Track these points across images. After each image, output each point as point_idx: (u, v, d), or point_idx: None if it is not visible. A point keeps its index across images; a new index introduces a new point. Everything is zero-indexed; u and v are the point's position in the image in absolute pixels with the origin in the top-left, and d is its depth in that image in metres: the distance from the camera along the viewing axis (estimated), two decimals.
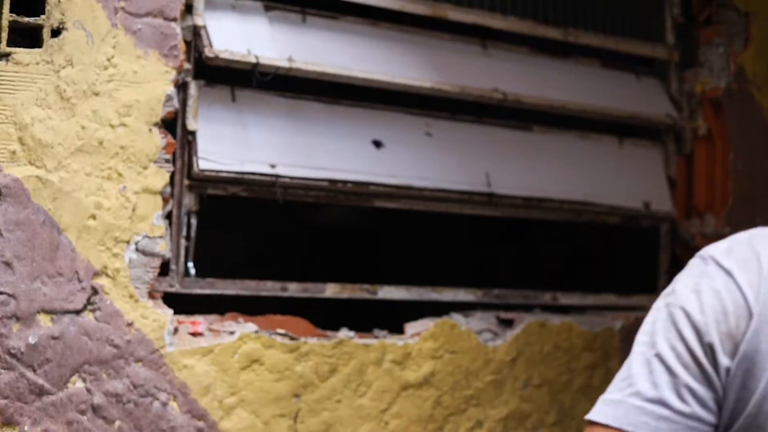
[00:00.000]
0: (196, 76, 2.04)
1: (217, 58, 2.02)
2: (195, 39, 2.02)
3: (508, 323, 2.31)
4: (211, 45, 2.02)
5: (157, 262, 1.92)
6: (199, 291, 2.06)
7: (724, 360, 1.14)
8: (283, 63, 2.10)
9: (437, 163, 2.31)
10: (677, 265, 2.62)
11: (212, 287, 2.08)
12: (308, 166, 2.15)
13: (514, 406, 2.28)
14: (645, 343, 1.21)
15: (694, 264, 1.24)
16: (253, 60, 2.05)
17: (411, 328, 2.20)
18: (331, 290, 2.18)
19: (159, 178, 1.91)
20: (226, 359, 1.96)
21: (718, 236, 2.57)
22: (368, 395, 2.10)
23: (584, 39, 2.57)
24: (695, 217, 2.64)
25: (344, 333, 2.12)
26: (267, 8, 2.16)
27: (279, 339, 2.02)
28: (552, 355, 2.33)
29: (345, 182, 2.19)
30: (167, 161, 1.93)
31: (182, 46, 1.94)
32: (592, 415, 1.22)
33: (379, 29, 2.29)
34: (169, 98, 1.93)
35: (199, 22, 2.01)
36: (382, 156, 2.25)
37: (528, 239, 3.09)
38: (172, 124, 2.00)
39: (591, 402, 2.33)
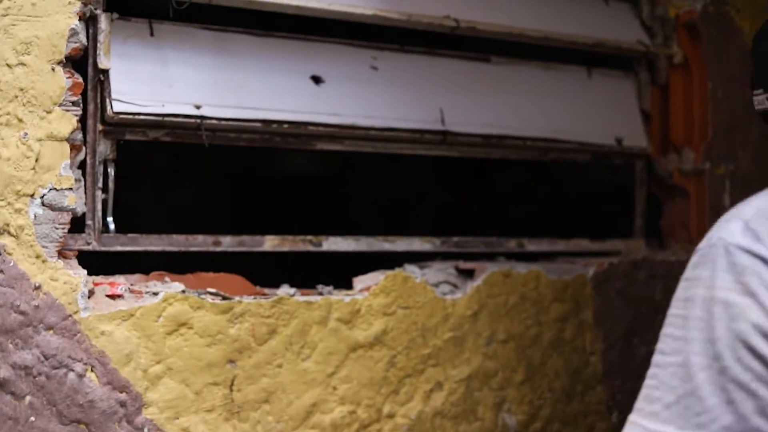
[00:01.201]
0: (109, 8, 1.82)
1: None
2: None
3: (469, 274, 2.11)
4: None
5: (67, 218, 1.71)
6: (119, 248, 1.86)
7: None
8: None
9: (385, 99, 2.10)
10: (654, 205, 2.43)
11: (135, 243, 1.88)
12: (238, 106, 1.94)
13: (477, 365, 2.08)
14: (708, 367, 1.07)
15: (716, 257, 1.07)
16: None
17: (360, 282, 2.00)
18: (270, 243, 1.98)
19: (65, 122, 1.70)
20: (150, 323, 1.76)
21: (698, 173, 2.40)
22: (313, 358, 1.90)
23: None
24: (672, 152, 2.44)
25: (284, 290, 1.92)
26: None
27: (209, 299, 1.82)
28: (518, 307, 2.14)
29: (281, 123, 1.97)
30: (74, 104, 1.72)
31: None
32: None
33: None
34: (74, 33, 1.71)
35: None
36: (322, 93, 2.04)
37: (490, 181, 2.91)
38: (82, 64, 1.78)
39: (563, 357, 2.16)
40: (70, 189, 1.71)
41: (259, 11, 1.99)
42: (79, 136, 1.74)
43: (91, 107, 1.81)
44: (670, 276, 2.34)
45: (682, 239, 2.42)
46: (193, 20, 1.93)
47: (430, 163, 2.74)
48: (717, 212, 2.40)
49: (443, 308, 2.04)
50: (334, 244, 2.05)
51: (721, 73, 2.41)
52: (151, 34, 1.90)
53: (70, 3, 1.71)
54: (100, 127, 1.82)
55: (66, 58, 1.71)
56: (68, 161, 1.70)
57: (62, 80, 1.69)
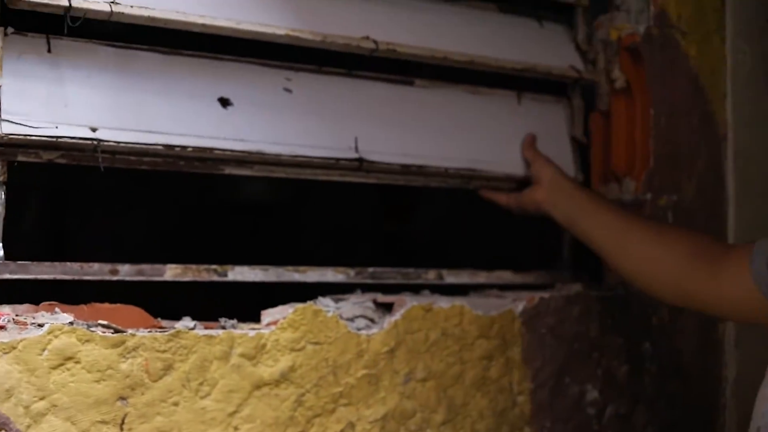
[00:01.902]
0: (3, 22, 1.73)
1: (21, 0, 1.70)
2: None
3: (388, 308, 2.00)
4: None
5: None
6: (8, 276, 1.76)
7: None
8: (104, 7, 1.77)
9: (297, 124, 2.02)
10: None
11: (24, 271, 1.77)
12: (139, 129, 1.84)
13: (393, 404, 1.97)
14: None
15: None
16: (64, 2, 1.73)
17: (267, 315, 1.89)
18: (171, 272, 1.87)
19: None
20: (33, 357, 1.64)
21: (638, 203, 2.29)
22: (212, 396, 1.79)
23: None
24: (613, 181, 2.33)
25: (183, 323, 1.81)
26: None
27: (99, 331, 1.70)
28: (440, 343, 2.02)
29: (184, 147, 1.88)
30: None
31: None
32: None
33: None
34: None
35: None
36: (229, 116, 1.94)
37: (411, 211, 2.82)
38: None
39: (488, 397, 2.05)
40: None
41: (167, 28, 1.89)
42: None
43: None
44: (606, 312, 2.23)
45: None
46: (96, 36, 1.84)
47: (377, 191, 2.66)
48: None
49: (357, 344, 1.93)
50: (240, 274, 1.95)
51: (665, 99, 2.31)
52: (49, 51, 1.80)
53: None
54: None
55: None
56: None
57: None
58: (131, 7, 1.80)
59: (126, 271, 1.85)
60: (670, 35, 2.33)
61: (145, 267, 1.87)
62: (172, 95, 1.89)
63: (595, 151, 2.36)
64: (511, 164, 2.27)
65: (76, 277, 1.82)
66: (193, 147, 1.88)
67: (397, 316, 1.98)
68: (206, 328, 1.82)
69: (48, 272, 1.79)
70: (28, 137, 1.72)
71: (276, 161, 1.99)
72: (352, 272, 2.06)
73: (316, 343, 1.89)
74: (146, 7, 1.82)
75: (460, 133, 2.22)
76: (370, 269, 2.09)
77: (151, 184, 2.66)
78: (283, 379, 1.86)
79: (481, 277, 2.23)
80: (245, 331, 1.83)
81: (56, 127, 1.75)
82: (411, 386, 1.99)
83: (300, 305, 1.89)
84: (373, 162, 2.08)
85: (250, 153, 1.95)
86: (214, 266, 1.92)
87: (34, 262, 1.78)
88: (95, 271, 1.83)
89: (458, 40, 2.19)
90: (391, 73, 2.18)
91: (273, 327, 1.86)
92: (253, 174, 1.99)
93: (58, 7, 1.74)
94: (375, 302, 2.00)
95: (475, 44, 2.21)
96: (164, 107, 1.88)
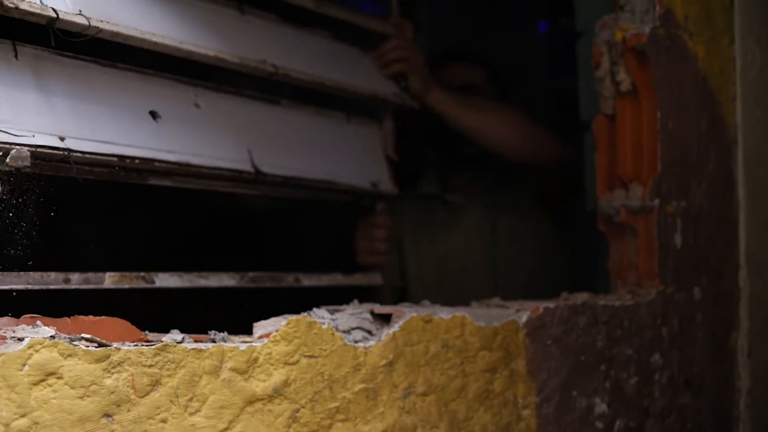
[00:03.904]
0: None
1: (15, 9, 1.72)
2: None
3: (385, 319, 1.92)
4: None
5: None
6: None
7: None
8: (82, 20, 1.83)
9: (208, 138, 2.20)
10: None
11: None
12: (96, 140, 1.91)
13: (392, 420, 1.89)
14: None
15: None
16: (51, 14, 1.76)
17: (260, 328, 1.82)
18: (110, 280, 1.97)
19: None
20: (13, 372, 1.57)
21: (646, 210, 2.21)
22: (202, 412, 1.71)
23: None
24: (619, 187, 2.25)
25: (171, 336, 1.73)
26: None
27: (83, 345, 1.62)
28: (440, 356, 1.95)
29: (133, 158, 1.98)
30: None
31: None
32: None
33: None
34: None
35: None
36: (159, 129, 2.05)
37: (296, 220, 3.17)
38: None
39: (491, 411, 1.97)
40: None
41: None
42: None
43: None
44: (614, 322, 2.15)
45: (630, 282, 2.23)
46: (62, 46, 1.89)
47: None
48: (667, 252, 2.22)
49: (354, 357, 1.85)
50: (164, 280, 2.07)
51: (672, 102, 2.23)
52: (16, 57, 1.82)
53: None
54: None
55: None
56: None
57: None
58: (101, 21, 1.88)
59: (76, 280, 1.89)
60: (676, 36, 2.26)
61: (90, 275, 1.93)
62: (117, 107, 1.99)
63: (600, 156, 2.29)
64: (351, 177, 2.60)
65: (37, 287, 1.82)
66: (140, 158, 1.99)
67: (395, 327, 1.90)
68: (195, 341, 1.74)
69: (16, 282, 1.79)
70: (5, 145, 1.73)
71: (197, 173, 2.15)
72: (238, 277, 2.25)
73: (311, 357, 1.81)
74: (113, 23, 1.91)
75: (313, 148, 2.52)
76: (251, 274, 2.29)
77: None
78: (277, 394, 1.78)
79: (325, 280, 2.50)
80: (236, 344, 1.75)
81: (33, 136, 1.76)
82: (411, 400, 1.91)
83: (293, 317, 1.81)
84: (265, 174, 2.31)
85: (180, 165, 2.08)
86: (142, 273, 2.02)
87: (3, 273, 1.77)
88: (52, 280, 1.85)
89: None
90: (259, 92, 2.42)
91: (265, 340, 1.78)
92: (174, 185, 2.12)
93: (44, 17, 1.76)
94: (372, 313, 1.92)
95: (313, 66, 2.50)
96: (112, 118, 1.97)
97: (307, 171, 2.44)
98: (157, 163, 2.03)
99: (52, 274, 1.85)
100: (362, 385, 1.86)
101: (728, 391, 2.33)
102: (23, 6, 1.73)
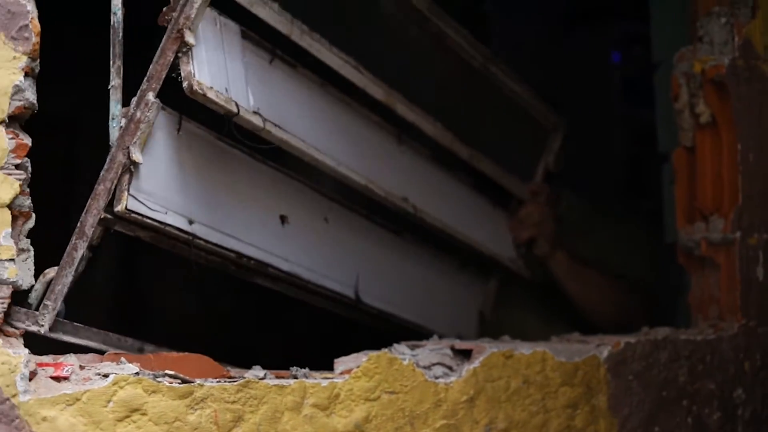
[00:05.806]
0: None
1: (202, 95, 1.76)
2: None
3: (466, 355, 1.91)
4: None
5: (7, 291, 1.56)
6: (62, 336, 1.76)
7: None
8: (258, 121, 1.89)
9: (324, 254, 2.25)
10: None
11: (75, 335, 1.79)
12: (222, 231, 1.94)
13: None
14: None
15: None
16: (233, 109, 1.80)
17: (341, 364, 1.83)
18: None
19: (6, 187, 1.55)
20: (98, 409, 1.59)
21: (727, 242, 2.19)
22: None
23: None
24: (699, 220, 2.23)
25: (253, 372, 1.75)
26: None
27: (166, 382, 1.64)
28: (521, 392, 1.94)
29: (250, 258, 2.01)
30: (17, 167, 1.57)
31: (35, 27, 1.59)
32: None
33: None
34: (18, 90, 1.57)
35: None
36: (285, 235, 2.09)
37: None
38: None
39: None
40: (12, 260, 1.55)
41: None
42: (27, 202, 1.59)
43: None
44: (696, 357, 2.12)
45: (711, 315, 2.21)
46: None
47: None
48: (750, 286, 2.19)
49: (435, 393, 1.85)
50: None
51: (752, 133, 2.21)
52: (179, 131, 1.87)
53: (15, 58, 1.57)
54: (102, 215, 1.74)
55: (9, 117, 1.56)
56: (8, 230, 1.55)
57: (4, 141, 1.55)
58: (274, 126, 1.93)
59: (150, 351, 1.88)
60: (756, 66, 2.24)
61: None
62: (247, 201, 2.02)
63: (680, 189, 2.27)
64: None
65: (112, 350, 1.81)
66: (257, 260, 2.02)
67: (476, 363, 1.89)
68: (277, 377, 1.75)
69: (95, 339, 1.82)
70: (144, 218, 1.76)
71: (303, 286, 2.18)
72: None
73: (392, 392, 1.81)
74: (284, 129, 1.96)
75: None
76: None
77: None
78: (358, 429, 1.78)
79: None
80: (318, 380, 1.76)
81: (166, 213, 1.79)
82: None
83: (374, 353, 1.82)
84: (364, 303, 2.34)
85: (290, 275, 2.11)
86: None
87: (85, 327, 1.79)
88: (128, 345, 1.87)
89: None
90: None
91: (346, 376, 1.78)
92: (276, 289, 2.13)
93: (225, 109, 1.82)
94: (452, 349, 1.92)
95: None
96: (240, 211, 1.99)
97: (402, 309, 2.46)
98: (270, 269, 2.06)
99: (129, 340, 1.88)
100: (443, 421, 1.86)
101: None
102: (210, 94, 1.76)
